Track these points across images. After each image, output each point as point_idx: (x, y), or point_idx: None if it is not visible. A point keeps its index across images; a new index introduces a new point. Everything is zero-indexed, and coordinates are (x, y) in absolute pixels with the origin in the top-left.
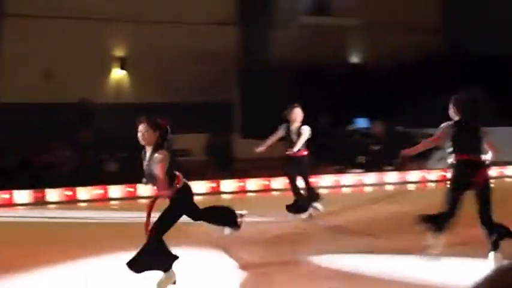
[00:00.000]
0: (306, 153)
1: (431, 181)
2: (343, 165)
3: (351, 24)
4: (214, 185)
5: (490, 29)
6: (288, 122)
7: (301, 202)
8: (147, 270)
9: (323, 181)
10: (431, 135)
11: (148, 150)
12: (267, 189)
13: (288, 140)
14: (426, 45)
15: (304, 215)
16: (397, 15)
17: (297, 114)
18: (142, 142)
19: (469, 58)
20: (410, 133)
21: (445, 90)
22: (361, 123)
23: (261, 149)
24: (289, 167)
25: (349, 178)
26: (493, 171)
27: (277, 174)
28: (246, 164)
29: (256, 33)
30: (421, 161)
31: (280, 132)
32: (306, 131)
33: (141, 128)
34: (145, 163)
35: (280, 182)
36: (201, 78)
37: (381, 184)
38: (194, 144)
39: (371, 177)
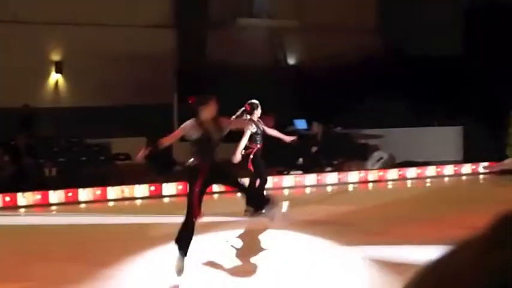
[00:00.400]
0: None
1: (371, 181)
2: (282, 167)
3: (289, 25)
4: (153, 188)
5: (426, 30)
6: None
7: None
8: None
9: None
10: (371, 136)
11: None
12: (208, 192)
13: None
14: (363, 47)
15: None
16: (334, 17)
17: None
18: None
19: (406, 59)
20: (348, 134)
21: (383, 91)
22: (300, 124)
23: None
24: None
25: (289, 180)
26: (432, 171)
27: None
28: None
29: (193, 35)
30: (360, 161)
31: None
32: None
33: None
34: None
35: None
36: (139, 81)
37: (321, 185)
38: (134, 148)
39: (311, 179)
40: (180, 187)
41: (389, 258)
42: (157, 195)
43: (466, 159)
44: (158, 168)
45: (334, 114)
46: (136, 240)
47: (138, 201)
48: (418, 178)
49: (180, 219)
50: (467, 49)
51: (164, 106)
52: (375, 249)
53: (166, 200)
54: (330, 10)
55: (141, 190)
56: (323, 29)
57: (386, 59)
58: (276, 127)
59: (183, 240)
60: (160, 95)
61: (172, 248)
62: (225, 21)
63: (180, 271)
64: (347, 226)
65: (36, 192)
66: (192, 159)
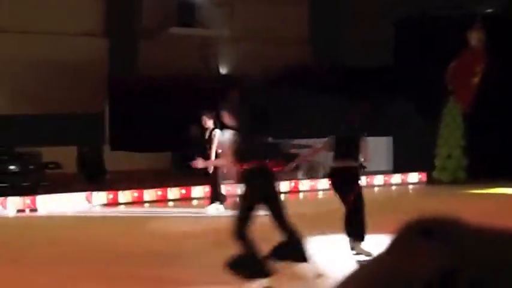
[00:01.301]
0: None
1: (302, 191)
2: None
3: (220, 35)
4: (84, 197)
5: (357, 41)
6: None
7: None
8: None
9: (195, 192)
10: (303, 146)
11: None
12: (139, 201)
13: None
14: (294, 57)
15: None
16: (266, 27)
17: (205, 121)
18: None
19: (337, 69)
20: (279, 144)
21: (314, 101)
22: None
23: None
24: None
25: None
26: (362, 181)
27: (148, 186)
28: (117, 175)
29: (125, 44)
30: (291, 171)
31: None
32: (217, 135)
33: None
34: None
35: (150, 194)
36: (70, 90)
37: None
38: (64, 157)
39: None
40: (111, 196)
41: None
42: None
43: (396, 170)
44: (89, 177)
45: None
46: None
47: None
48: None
49: None
50: (397, 60)
51: (95, 115)
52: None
53: (97, 209)
54: (263, 20)
55: (72, 199)
56: (255, 39)
57: (318, 69)
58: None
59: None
60: (91, 104)
61: None
62: (157, 31)
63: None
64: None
65: None
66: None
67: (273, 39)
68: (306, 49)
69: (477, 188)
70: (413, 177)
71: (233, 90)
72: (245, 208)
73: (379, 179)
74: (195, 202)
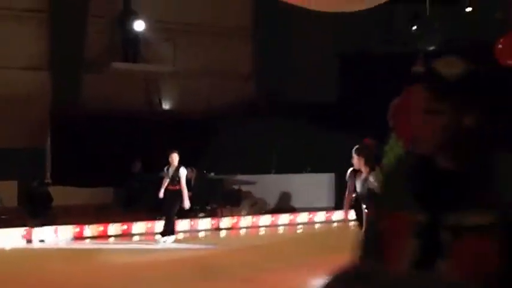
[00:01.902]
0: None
1: (243, 227)
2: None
3: (164, 70)
4: (25, 233)
5: (301, 76)
6: (168, 164)
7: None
8: None
9: (136, 228)
10: (244, 182)
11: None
12: (79, 237)
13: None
14: (239, 92)
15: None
16: (210, 62)
17: (173, 158)
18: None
19: (280, 104)
20: (221, 179)
21: (256, 136)
22: None
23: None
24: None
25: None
26: (304, 217)
27: (88, 222)
28: (57, 210)
29: (68, 78)
30: (233, 207)
31: (165, 174)
32: (183, 172)
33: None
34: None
35: (92, 230)
36: (12, 124)
37: (194, 231)
38: (5, 192)
39: (184, 224)
40: (52, 231)
41: None
42: (28, 240)
43: (338, 206)
44: (32, 213)
45: (208, 160)
46: None
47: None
48: (290, 224)
49: None
50: (340, 95)
51: (36, 150)
52: None
53: (37, 244)
54: (206, 55)
55: (12, 235)
56: (199, 74)
57: (261, 104)
58: (154, 171)
59: None
60: (32, 138)
61: None
62: (100, 65)
63: None
64: (215, 271)
65: None
66: None
67: (216, 74)
68: (250, 84)
69: None
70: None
71: None
72: None
73: (320, 216)
74: (136, 238)
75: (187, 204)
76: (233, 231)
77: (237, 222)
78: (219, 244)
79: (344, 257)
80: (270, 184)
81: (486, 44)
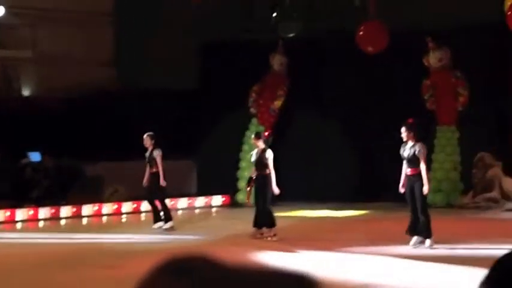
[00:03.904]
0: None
1: (105, 215)
2: (16, 199)
3: (23, 56)
4: None
5: (161, 64)
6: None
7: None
8: None
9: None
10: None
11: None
12: None
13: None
14: (98, 79)
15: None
16: (69, 49)
17: (146, 141)
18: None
19: (140, 92)
20: (83, 167)
21: (119, 123)
22: (34, 157)
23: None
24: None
25: (22, 213)
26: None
27: None
28: None
29: None
30: (94, 194)
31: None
32: (157, 153)
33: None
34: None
35: None
36: None
37: (55, 218)
38: None
39: (44, 212)
40: None
41: None
42: None
43: (200, 193)
44: None
45: (69, 147)
46: None
47: None
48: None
49: None
50: (200, 84)
51: None
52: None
53: None
54: (65, 42)
55: None
56: (58, 61)
57: (121, 92)
58: (11, 159)
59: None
60: None
61: None
62: None
63: None
64: (79, 260)
65: None
66: None
67: (76, 61)
68: (110, 71)
69: (282, 211)
70: (217, 200)
71: None
72: None
73: (183, 202)
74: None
75: (162, 182)
76: (95, 219)
77: (98, 210)
78: (80, 232)
79: (206, 241)
80: (131, 171)
81: (345, 31)
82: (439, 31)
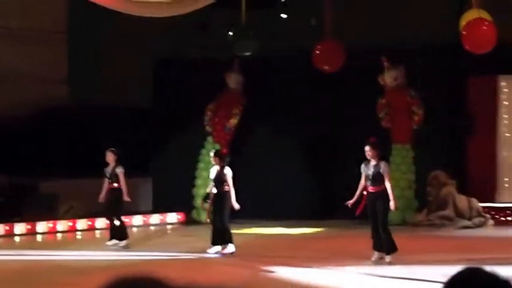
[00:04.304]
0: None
1: (60, 232)
2: None
3: None
4: None
5: (116, 81)
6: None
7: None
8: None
9: None
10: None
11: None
12: None
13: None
14: (55, 97)
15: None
16: (24, 65)
17: (109, 157)
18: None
19: (94, 109)
20: (37, 184)
21: (72, 141)
22: None
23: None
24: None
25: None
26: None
27: None
28: None
29: None
30: (49, 211)
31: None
32: (120, 170)
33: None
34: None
35: None
36: None
37: (10, 235)
38: None
39: None
40: None
41: None
42: None
43: (155, 210)
44: None
45: (23, 164)
46: None
47: None
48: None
49: None
50: (156, 102)
51: None
52: None
53: None
54: (21, 58)
55: None
56: (12, 78)
57: (76, 109)
58: None
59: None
60: None
61: None
62: None
63: None
64: (33, 277)
65: None
66: None
67: (29, 78)
68: (66, 89)
69: (238, 228)
70: (172, 217)
71: None
72: None
73: (138, 219)
74: None
75: (127, 198)
76: (49, 236)
77: (53, 227)
78: (35, 249)
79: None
80: (87, 188)
81: (301, 50)
82: (394, 50)
